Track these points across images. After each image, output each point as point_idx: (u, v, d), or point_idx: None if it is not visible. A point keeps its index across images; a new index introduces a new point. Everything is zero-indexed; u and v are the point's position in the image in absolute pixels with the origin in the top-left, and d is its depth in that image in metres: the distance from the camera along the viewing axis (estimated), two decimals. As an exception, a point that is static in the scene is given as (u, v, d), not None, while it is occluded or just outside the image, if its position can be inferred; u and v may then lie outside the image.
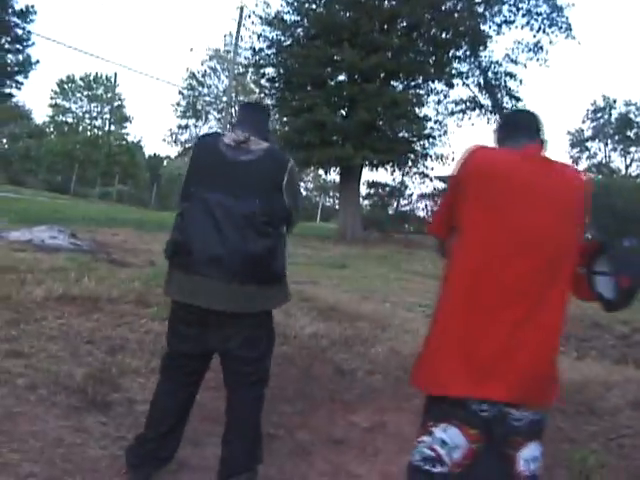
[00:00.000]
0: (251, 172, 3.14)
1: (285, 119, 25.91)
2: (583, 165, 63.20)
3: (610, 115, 63.13)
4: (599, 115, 63.66)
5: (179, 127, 60.18)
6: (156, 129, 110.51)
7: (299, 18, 24.58)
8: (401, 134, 25.29)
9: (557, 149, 76.07)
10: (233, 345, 3.21)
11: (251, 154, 3.18)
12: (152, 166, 63.63)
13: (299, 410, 5.04)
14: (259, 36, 25.20)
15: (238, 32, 31.57)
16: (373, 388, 5.52)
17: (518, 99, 27.46)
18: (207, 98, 58.87)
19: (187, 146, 60.19)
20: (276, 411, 4.97)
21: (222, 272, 3.04)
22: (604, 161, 63.43)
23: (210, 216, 3.07)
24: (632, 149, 62.03)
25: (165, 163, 66.78)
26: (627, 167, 61.80)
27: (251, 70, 30.55)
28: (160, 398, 3.39)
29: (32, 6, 42.71)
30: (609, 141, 63.40)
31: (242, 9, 29.86)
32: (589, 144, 64.43)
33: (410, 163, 27.04)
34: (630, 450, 4.71)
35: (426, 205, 36.32)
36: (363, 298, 9.78)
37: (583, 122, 64.23)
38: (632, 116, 61.63)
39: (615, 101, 62.55)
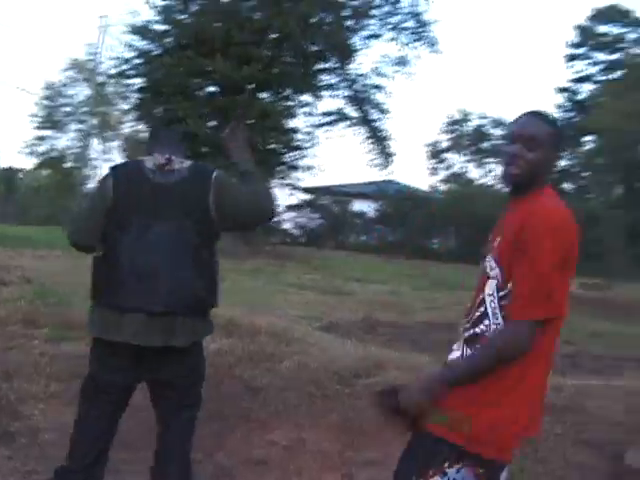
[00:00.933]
0: (178, 193, 3.03)
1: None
2: (441, 175, 65.43)
3: (466, 127, 65.56)
4: (455, 127, 65.96)
5: (37, 138, 58.20)
6: (10, 141, 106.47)
7: (169, 28, 24.36)
8: (272, 146, 25.31)
9: (416, 160, 78.27)
10: (166, 374, 3.09)
11: (175, 175, 3.06)
12: (7, 178, 61.56)
13: (215, 431, 4.93)
14: (127, 45, 24.75)
15: (100, 41, 30.99)
16: (287, 405, 5.44)
17: (385, 111, 28.17)
18: (66, 109, 57.21)
19: (47, 157, 58.52)
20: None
21: (157, 306, 2.92)
22: (461, 172, 65.76)
23: (143, 247, 2.95)
24: (487, 160, 64.68)
25: (21, 176, 64.80)
26: (482, 178, 64.34)
27: (112, 81, 29.83)
28: (84, 428, 3.18)
29: None
30: (465, 153, 65.81)
31: (105, 17, 29.44)
32: (446, 155, 66.59)
33: (279, 175, 27.07)
34: (546, 454, 4.81)
35: (292, 217, 36.66)
36: (252, 312, 9.67)
37: (441, 134, 66.30)
38: (486, 129, 64.31)
39: (470, 114, 65.02)
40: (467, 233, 31.37)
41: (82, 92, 52.30)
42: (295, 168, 27.08)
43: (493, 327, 2.28)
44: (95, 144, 57.81)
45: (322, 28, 24.32)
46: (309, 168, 27.27)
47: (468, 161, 66.11)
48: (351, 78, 27.29)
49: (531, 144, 2.35)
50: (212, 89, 24.43)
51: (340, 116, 28.24)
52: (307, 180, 29.93)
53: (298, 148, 26.97)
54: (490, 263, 2.34)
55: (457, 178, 63.62)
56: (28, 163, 72.68)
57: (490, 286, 2.31)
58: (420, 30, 26.29)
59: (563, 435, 5.08)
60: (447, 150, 66.33)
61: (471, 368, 2.28)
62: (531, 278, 2.21)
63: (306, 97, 27.07)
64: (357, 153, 79.73)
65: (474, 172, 65.48)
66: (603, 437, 5.06)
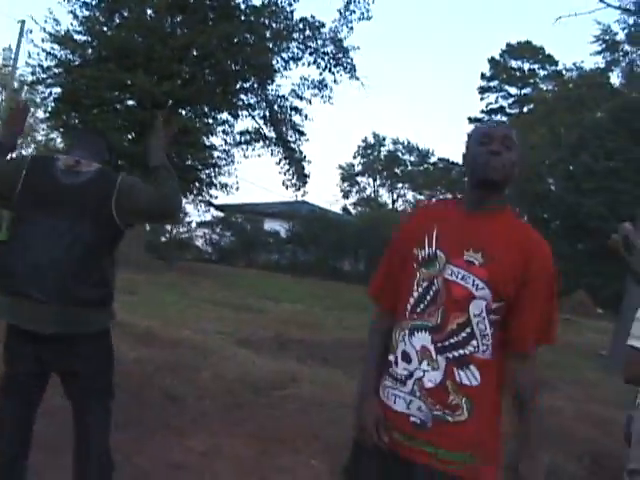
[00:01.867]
0: (82, 195, 3.15)
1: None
2: (353, 199, 66.14)
3: (379, 152, 66.47)
4: (369, 151, 66.79)
5: None
6: None
7: (90, 39, 23.99)
8: (189, 162, 25.34)
9: (328, 182, 78.55)
10: (67, 364, 3.19)
11: (82, 176, 3.18)
12: None
13: (134, 437, 5.03)
14: (47, 53, 24.07)
15: (18, 47, 30.29)
16: (204, 413, 5.63)
17: (302, 133, 28.32)
18: None
19: None
20: (110, 437, 4.93)
21: (49, 295, 3.03)
22: (373, 195, 66.58)
23: (43, 241, 3.07)
24: (399, 185, 65.72)
25: None
26: (394, 202, 65.31)
27: (27, 88, 29.19)
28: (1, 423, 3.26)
29: None
30: (378, 177, 66.67)
31: (23, 23, 28.75)
32: (359, 179, 67.30)
33: (195, 191, 26.91)
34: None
35: (204, 233, 36.52)
36: (169, 324, 9.78)
37: (354, 157, 66.98)
38: (399, 154, 65.42)
39: (384, 139, 65.98)
40: (377, 256, 31.86)
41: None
42: (211, 185, 26.95)
43: (483, 348, 2.29)
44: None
45: (244, 48, 24.26)
46: (225, 186, 27.16)
47: (381, 185, 67.18)
48: (270, 99, 27.42)
49: (509, 143, 2.37)
50: (131, 102, 24.17)
51: (257, 136, 28.26)
52: (221, 198, 29.95)
53: (215, 165, 26.98)
54: (470, 280, 2.29)
55: (369, 201, 64.45)
56: None
57: (477, 306, 2.28)
58: (340, 56, 26.62)
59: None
60: (361, 174, 67.16)
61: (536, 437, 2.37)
62: (550, 309, 2.36)
63: (225, 115, 27.15)
64: (272, 173, 79.21)
65: (385, 196, 66.57)
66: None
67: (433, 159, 62.41)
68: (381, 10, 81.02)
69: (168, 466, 4.63)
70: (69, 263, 3.05)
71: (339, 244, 33.54)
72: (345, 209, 59.65)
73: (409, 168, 64.91)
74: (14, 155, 3.49)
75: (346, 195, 66.42)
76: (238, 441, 5.11)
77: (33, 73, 24.63)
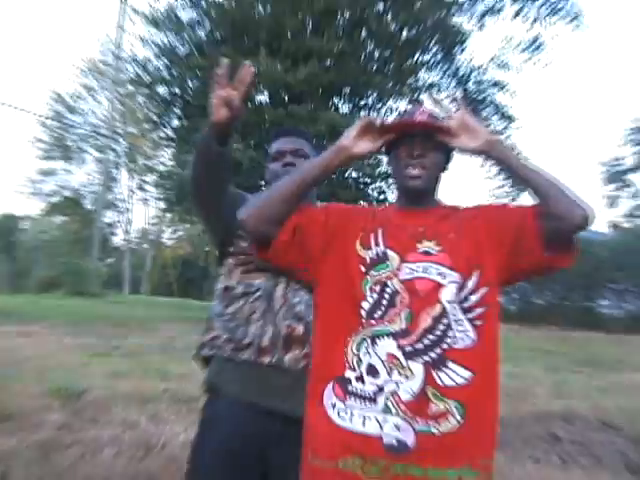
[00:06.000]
0: None
1: (185, 158, 25.09)
2: (624, 207, 63.59)
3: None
4: (643, 136, 64.42)
5: (42, 173, 58.17)
6: (10, 178, 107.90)
7: (198, 16, 24.65)
8: (347, 174, 25.34)
9: (589, 186, 75.76)
10: None
11: None
12: (5, 230, 63.09)
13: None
14: (144, 41, 25.06)
15: (119, 36, 32.09)
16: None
17: (511, 119, 28.01)
18: (81, 130, 57.02)
19: (54, 201, 58.96)
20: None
21: None
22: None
23: None
24: None
25: (26, 226, 65.99)
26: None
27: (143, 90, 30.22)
28: None
29: None
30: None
31: (125, 1, 30.24)
32: (631, 177, 64.86)
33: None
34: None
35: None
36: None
37: (621, 147, 64.82)
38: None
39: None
40: None
41: (103, 106, 53.39)
42: (384, 203, 26.85)
43: (460, 335, 2.76)
44: (123, 178, 59.43)
45: (414, 5, 23.79)
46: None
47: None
48: (461, 74, 27.40)
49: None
50: (261, 98, 24.57)
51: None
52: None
53: (387, 177, 25.86)
54: (433, 270, 2.85)
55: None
56: (32, 207, 73.93)
57: (448, 292, 2.81)
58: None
59: None
60: (632, 170, 64.83)
61: (545, 177, 2.93)
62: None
63: (399, 104, 26.95)
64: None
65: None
66: None
67: None
68: None
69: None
70: None
71: (588, 275, 32.93)
72: (615, 225, 56.51)
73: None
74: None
75: (613, 203, 64.09)
76: None
77: (134, 69, 25.80)
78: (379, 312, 2.82)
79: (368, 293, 2.86)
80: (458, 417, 2.68)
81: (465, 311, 2.77)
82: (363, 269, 2.90)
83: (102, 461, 6.85)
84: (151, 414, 8.45)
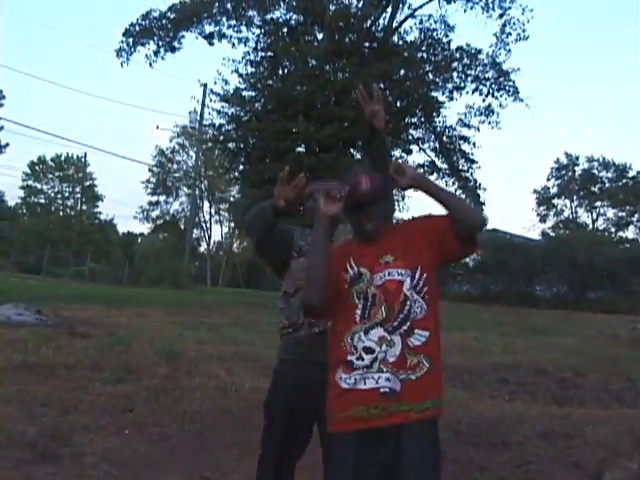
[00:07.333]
0: None
1: (247, 191, 26.66)
2: (551, 222, 64.15)
3: (574, 172, 64.24)
4: (563, 172, 64.72)
5: (150, 204, 60.23)
6: (128, 206, 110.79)
7: (255, 94, 25.39)
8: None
9: (524, 208, 76.04)
10: None
11: None
12: (126, 243, 64.10)
13: (234, 456, 5.58)
14: (219, 112, 25.82)
15: (202, 108, 32.65)
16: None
17: (473, 161, 28.40)
18: (176, 174, 59.22)
19: (158, 222, 60.92)
20: (212, 456, 5.53)
21: None
22: (571, 217, 64.37)
23: None
24: (597, 204, 63.15)
25: (140, 240, 67.42)
26: (594, 222, 62.85)
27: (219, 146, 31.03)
28: None
29: (0, 91, 43.73)
30: (575, 197, 64.42)
31: (205, 86, 30.91)
32: (555, 201, 65.26)
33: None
34: (535, 475, 5.29)
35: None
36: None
37: (548, 179, 65.15)
38: (595, 172, 62.89)
39: (578, 158, 63.72)
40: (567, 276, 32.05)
41: (191, 157, 54.47)
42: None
43: (418, 310, 2.91)
44: (205, 207, 60.40)
45: (404, 84, 24.82)
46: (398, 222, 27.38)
47: (579, 205, 64.77)
48: (438, 131, 27.78)
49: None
50: (300, 149, 25.02)
51: (431, 168, 28.61)
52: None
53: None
54: (395, 273, 2.94)
55: (568, 223, 62.34)
56: (144, 228, 75.45)
57: (406, 285, 2.92)
58: (501, 80, 26.57)
59: (554, 458, 5.54)
60: (557, 196, 65.01)
61: (453, 198, 3.18)
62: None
63: (395, 152, 27.17)
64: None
65: (584, 216, 64.07)
66: (589, 459, 5.47)
67: (632, 173, 59.80)
68: (537, 27, 77.91)
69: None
70: None
71: (527, 269, 33.15)
72: (544, 234, 57.61)
73: (607, 185, 62.24)
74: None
75: (543, 219, 64.61)
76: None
77: (213, 131, 26.58)
78: (367, 313, 2.93)
79: (356, 303, 2.96)
80: (427, 365, 2.84)
81: (418, 292, 2.93)
82: (347, 287, 2.99)
83: (194, 400, 6.94)
84: (227, 368, 8.52)
